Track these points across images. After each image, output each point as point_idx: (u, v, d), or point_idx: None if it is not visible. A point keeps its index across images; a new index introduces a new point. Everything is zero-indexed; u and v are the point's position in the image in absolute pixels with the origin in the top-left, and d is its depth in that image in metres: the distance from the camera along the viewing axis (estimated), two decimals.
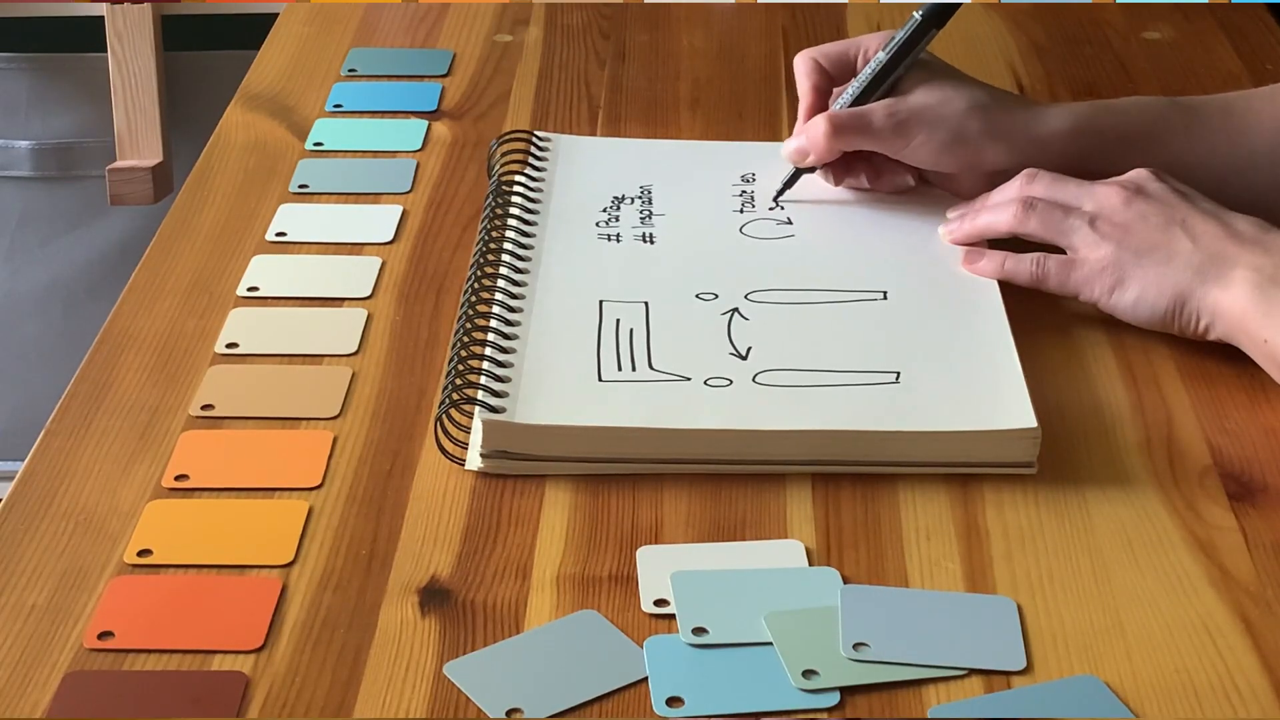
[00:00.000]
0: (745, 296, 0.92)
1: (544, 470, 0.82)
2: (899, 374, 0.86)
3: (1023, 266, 0.93)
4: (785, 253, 0.98)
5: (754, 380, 0.85)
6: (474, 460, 0.83)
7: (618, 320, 0.90)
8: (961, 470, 0.82)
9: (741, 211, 1.02)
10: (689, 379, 0.85)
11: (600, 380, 0.85)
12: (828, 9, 1.37)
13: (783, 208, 1.03)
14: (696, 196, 1.04)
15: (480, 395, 0.83)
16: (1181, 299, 0.89)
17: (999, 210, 0.95)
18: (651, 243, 0.99)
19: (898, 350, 0.88)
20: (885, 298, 0.93)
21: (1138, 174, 0.93)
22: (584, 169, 1.07)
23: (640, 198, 1.03)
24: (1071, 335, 0.93)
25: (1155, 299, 0.90)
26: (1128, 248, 0.90)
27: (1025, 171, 0.95)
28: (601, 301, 0.92)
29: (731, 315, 0.91)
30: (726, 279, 0.94)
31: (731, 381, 0.85)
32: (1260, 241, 0.88)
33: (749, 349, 0.88)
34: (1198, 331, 0.90)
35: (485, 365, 0.86)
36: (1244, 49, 1.30)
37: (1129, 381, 0.90)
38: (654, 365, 0.87)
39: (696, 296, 0.93)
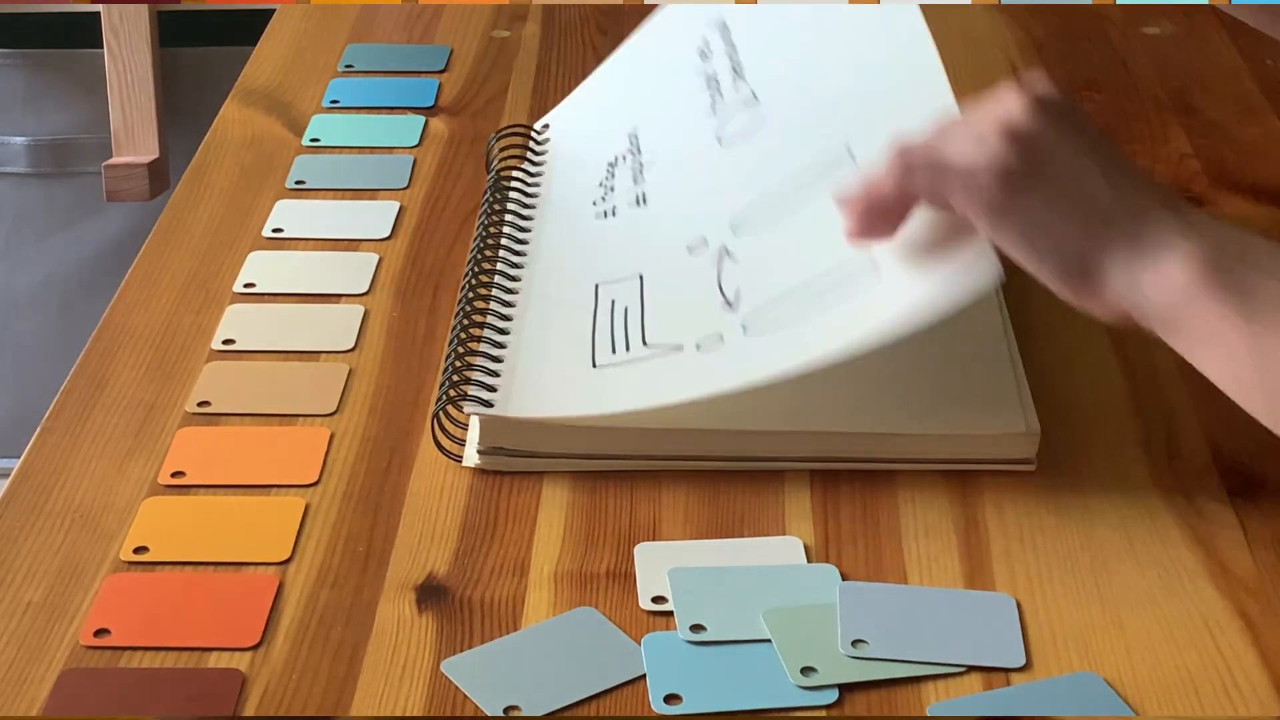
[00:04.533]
0: (731, 230, 0.90)
1: (541, 467, 0.82)
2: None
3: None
4: (760, 145, 0.96)
5: (744, 332, 0.83)
6: (471, 457, 0.83)
7: (613, 301, 0.90)
8: (961, 466, 0.82)
9: (713, 109, 1.01)
10: (680, 347, 0.84)
11: (594, 367, 0.85)
12: None
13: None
14: (673, 115, 1.03)
15: (475, 391, 0.83)
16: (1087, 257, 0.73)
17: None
18: (645, 204, 0.98)
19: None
20: (852, 157, 0.87)
21: (1032, 78, 0.76)
22: (575, 136, 1.07)
23: (630, 151, 1.02)
24: (1071, 335, 0.93)
25: (1056, 242, 0.72)
26: (1028, 159, 0.73)
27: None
28: (597, 285, 0.91)
29: (721, 259, 0.89)
30: (713, 213, 0.92)
31: (723, 338, 0.84)
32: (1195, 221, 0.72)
33: (738, 292, 0.86)
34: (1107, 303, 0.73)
35: (480, 360, 0.85)
36: (1244, 44, 1.30)
37: (1129, 380, 0.90)
38: (647, 341, 0.86)
39: (687, 249, 0.91)
